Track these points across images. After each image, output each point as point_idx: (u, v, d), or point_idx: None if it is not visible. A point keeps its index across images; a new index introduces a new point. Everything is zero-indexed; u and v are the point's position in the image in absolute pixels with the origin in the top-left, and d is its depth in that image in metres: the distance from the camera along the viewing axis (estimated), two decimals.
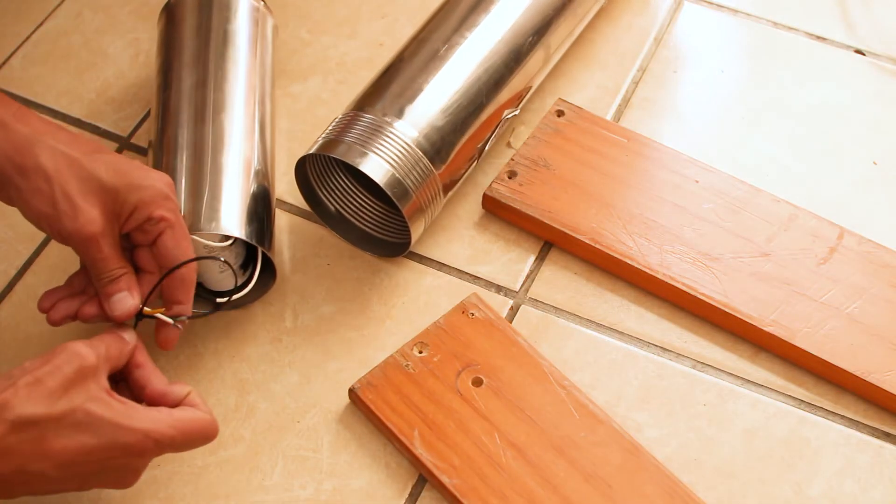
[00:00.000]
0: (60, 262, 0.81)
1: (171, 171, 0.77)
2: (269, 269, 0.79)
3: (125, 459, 0.62)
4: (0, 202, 0.69)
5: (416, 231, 0.79)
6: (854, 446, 0.75)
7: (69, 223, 0.66)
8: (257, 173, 0.79)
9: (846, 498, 0.72)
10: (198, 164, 0.77)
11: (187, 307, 0.70)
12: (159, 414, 0.64)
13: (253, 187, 0.78)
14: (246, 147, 0.79)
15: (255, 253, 0.79)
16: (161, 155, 0.79)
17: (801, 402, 0.77)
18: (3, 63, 0.95)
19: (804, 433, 0.75)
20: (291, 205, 0.86)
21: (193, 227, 0.74)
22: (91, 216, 0.67)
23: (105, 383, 0.63)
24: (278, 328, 0.80)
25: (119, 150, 0.89)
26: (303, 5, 0.99)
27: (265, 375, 0.78)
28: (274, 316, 0.80)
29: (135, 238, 0.70)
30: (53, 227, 0.67)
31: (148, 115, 0.92)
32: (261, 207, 0.78)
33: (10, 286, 0.81)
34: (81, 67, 0.95)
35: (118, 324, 0.68)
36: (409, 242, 0.80)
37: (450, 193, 0.81)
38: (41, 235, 0.84)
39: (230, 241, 0.76)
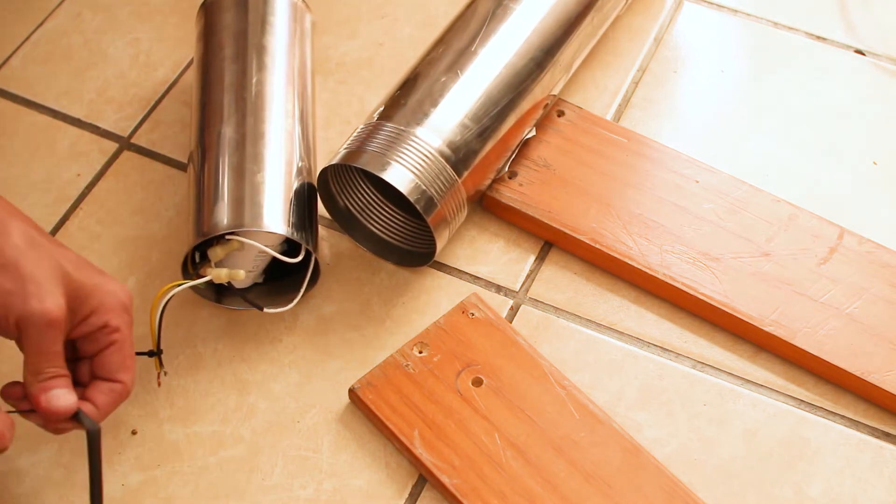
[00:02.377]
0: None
1: (214, 170, 0.77)
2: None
3: None
4: None
5: (441, 241, 0.78)
6: (854, 446, 0.75)
7: (36, 303, 0.62)
8: (300, 171, 0.79)
9: (846, 498, 0.72)
10: (242, 163, 0.77)
11: (98, 415, 0.66)
12: None
13: (296, 186, 0.77)
14: (288, 144, 0.79)
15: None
16: (203, 153, 0.78)
17: (801, 402, 0.77)
18: (3, 63, 0.95)
19: (804, 433, 0.75)
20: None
21: (240, 226, 0.74)
22: (59, 301, 0.63)
23: None
24: (278, 328, 0.80)
25: (119, 151, 0.90)
26: None
27: (265, 375, 0.78)
28: (274, 316, 0.80)
29: (80, 346, 0.67)
30: (13, 305, 0.62)
31: (148, 115, 0.92)
32: (309, 210, 0.78)
33: None
34: (81, 67, 0.95)
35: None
36: (433, 252, 0.79)
37: (476, 199, 0.81)
38: None
39: (282, 240, 0.77)
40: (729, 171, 0.85)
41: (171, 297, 0.72)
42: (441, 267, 0.83)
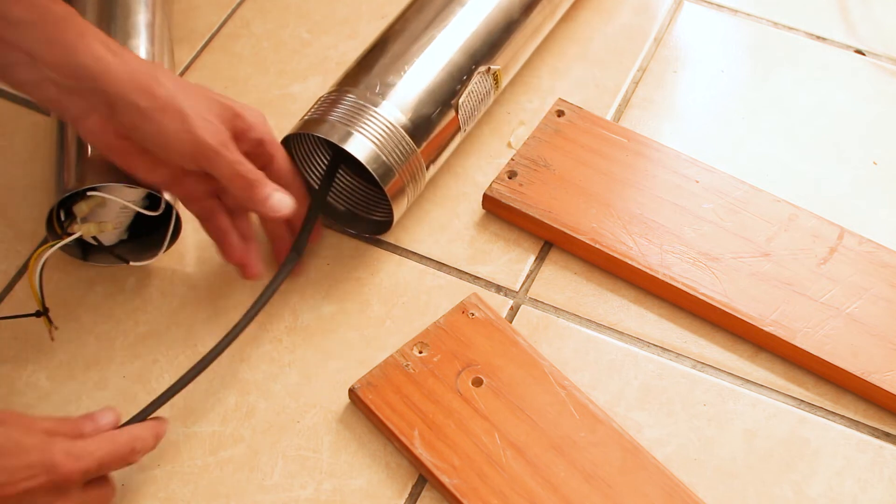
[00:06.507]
0: (59, 262, 0.82)
1: None
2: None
3: (47, 496, 0.63)
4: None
5: (399, 208, 0.80)
6: (854, 446, 0.75)
7: (204, 133, 0.70)
8: None
9: (846, 498, 0.72)
10: None
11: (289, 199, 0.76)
12: (80, 440, 0.65)
13: None
14: None
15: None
16: None
17: (801, 402, 0.77)
18: None
19: (804, 433, 0.75)
20: None
21: (99, 182, 0.75)
22: (221, 127, 0.72)
23: (38, 427, 0.64)
24: (278, 328, 0.80)
25: None
26: (303, 5, 0.99)
27: (265, 375, 0.78)
28: (274, 316, 0.80)
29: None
30: (185, 140, 0.70)
31: None
32: None
33: (10, 286, 0.81)
34: None
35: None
36: (392, 220, 0.80)
37: (433, 169, 0.82)
38: (41, 235, 0.83)
39: (160, 210, 0.78)
40: (729, 171, 0.85)
41: (46, 259, 0.75)
42: (441, 267, 0.83)
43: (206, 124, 0.70)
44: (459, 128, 0.83)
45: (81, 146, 0.78)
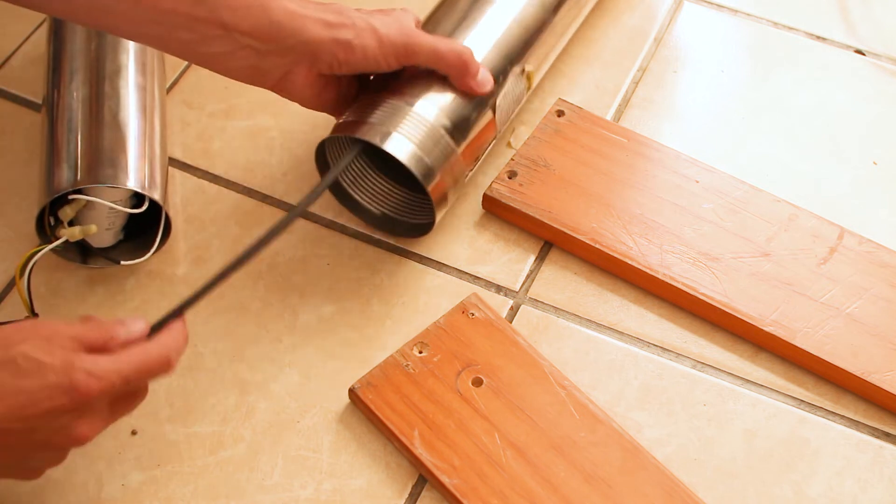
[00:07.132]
0: (60, 262, 0.82)
1: (60, 129, 0.79)
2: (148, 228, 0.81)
3: (69, 414, 0.62)
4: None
5: (441, 210, 0.79)
6: (854, 446, 0.75)
7: (400, 37, 0.75)
8: (146, 127, 0.81)
9: (846, 498, 0.72)
10: (87, 122, 0.79)
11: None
12: (104, 357, 0.63)
13: (138, 141, 0.80)
14: (137, 100, 0.82)
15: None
16: (52, 111, 0.81)
17: (801, 402, 0.77)
18: (3, 63, 0.95)
19: (804, 433, 0.75)
20: (291, 204, 0.86)
21: (79, 184, 0.76)
22: (407, 24, 0.76)
23: (61, 341, 0.63)
24: (278, 328, 0.80)
25: None
26: None
27: (265, 375, 0.78)
28: (274, 316, 0.80)
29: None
30: (393, 50, 0.75)
31: None
32: (152, 161, 0.80)
33: (11, 286, 0.81)
34: None
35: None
36: (432, 222, 0.79)
37: (473, 170, 0.81)
38: None
39: (144, 207, 0.78)
40: (729, 171, 0.85)
41: (34, 263, 0.75)
42: (441, 267, 0.83)
43: (398, 26, 0.75)
44: (497, 128, 0.82)
45: (70, 148, 0.78)
